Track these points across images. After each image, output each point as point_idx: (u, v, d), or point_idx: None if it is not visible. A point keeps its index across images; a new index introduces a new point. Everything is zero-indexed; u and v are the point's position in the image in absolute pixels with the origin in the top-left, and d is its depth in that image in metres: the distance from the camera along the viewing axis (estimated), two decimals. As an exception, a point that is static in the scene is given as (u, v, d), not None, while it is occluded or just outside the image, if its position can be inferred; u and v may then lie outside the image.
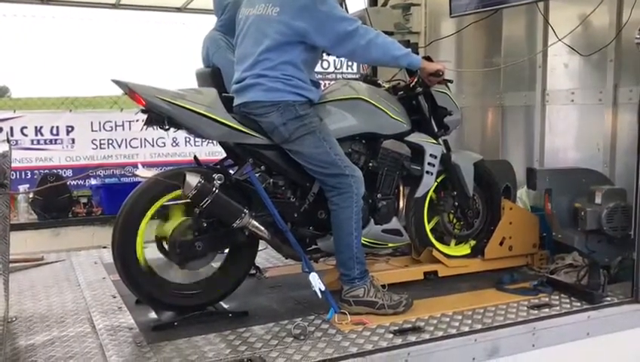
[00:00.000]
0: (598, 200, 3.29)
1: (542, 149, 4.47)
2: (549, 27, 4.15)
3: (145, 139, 6.56)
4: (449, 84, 3.44)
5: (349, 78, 3.70)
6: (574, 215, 3.39)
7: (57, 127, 6.62)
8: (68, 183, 6.41)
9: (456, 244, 3.63)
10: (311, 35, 2.79)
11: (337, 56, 3.45)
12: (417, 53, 4.35)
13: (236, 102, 2.93)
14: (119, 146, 6.56)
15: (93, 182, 6.51)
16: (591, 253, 3.30)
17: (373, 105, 3.18)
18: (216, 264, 2.97)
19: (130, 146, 6.59)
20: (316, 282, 2.77)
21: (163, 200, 2.82)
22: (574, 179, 3.53)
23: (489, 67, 4.79)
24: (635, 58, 3.08)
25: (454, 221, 3.57)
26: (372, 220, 3.12)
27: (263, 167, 2.94)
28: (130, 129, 6.53)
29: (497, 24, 4.63)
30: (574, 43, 3.99)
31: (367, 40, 2.81)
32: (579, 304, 3.02)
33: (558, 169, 3.94)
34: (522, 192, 4.18)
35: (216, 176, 2.77)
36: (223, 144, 2.97)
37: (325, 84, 5.55)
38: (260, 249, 3.08)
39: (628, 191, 3.33)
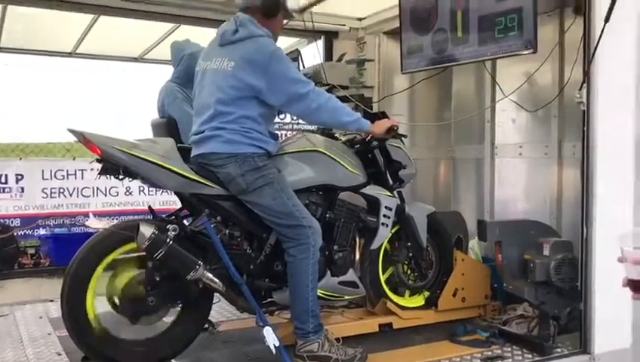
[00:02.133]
0: (546, 252, 3.39)
1: (492, 201, 4.59)
2: (496, 84, 4.34)
3: (97, 188, 6.43)
4: (403, 138, 3.54)
5: (306, 130, 3.75)
6: (524, 266, 3.47)
7: (6, 176, 6.43)
8: (15, 233, 6.19)
9: (410, 295, 3.66)
10: (263, 93, 2.84)
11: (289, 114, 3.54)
12: (371, 108, 4.51)
13: (194, 152, 2.94)
14: (70, 195, 6.40)
15: (42, 232, 6.31)
16: (541, 304, 3.37)
17: (331, 157, 3.23)
18: (169, 319, 2.90)
19: (82, 195, 6.43)
20: (270, 337, 2.72)
21: (116, 253, 2.77)
22: (523, 231, 3.63)
23: (440, 121, 4.95)
24: (577, 115, 3.23)
25: (408, 272, 3.61)
26: (328, 272, 3.12)
27: (219, 218, 2.92)
28: (82, 178, 6.40)
29: (447, 81, 4.82)
30: (520, 99, 4.17)
31: (317, 104, 2.88)
32: (530, 355, 3.07)
33: (507, 221, 4.05)
34: (474, 243, 4.26)
35: (170, 227, 2.74)
36: (178, 194, 2.95)
37: (283, 134, 5.60)
38: (213, 302, 3.03)
39: (574, 242, 3.44)
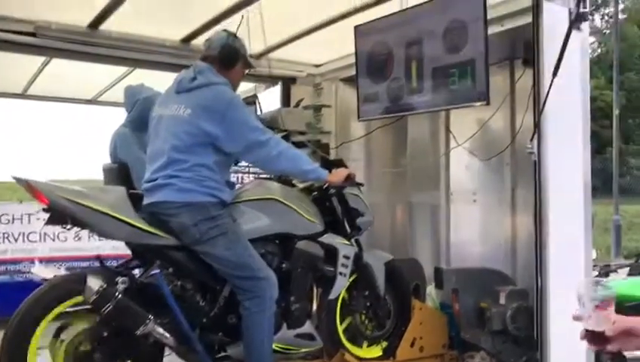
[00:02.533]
0: (502, 300, 3.41)
1: (448, 246, 4.63)
2: (450, 133, 4.42)
3: (45, 233, 6.19)
4: (360, 187, 3.54)
5: (263, 177, 3.71)
6: (481, 315, 3.47)
7: (-54, 219, 6.13)
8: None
9: (368, 346, 3.60)
10: (220, 140, 2.80)
11: (246, 163, 3.51)
12: (329, 154, 4.52)
13: (146, 201, 2.86)
14: (16, 241, 6.14)
15: (-18, 280, 5.99)
16: (498, 353, 3.37)
17: (287, 205, 3.19)
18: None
19: (29, 240, 6.19)
20: (223, 394, 2.63)
21: (62, 307, 2.63)
22: (479, 279, 3.66)
23: (397, 167, 5.00)
24: (529, 163, 3.30)
25: (366, 322, 3.56)
26: (285, 324, 3.04)
27: (170, 269, 2.83)
28: (29, 222, 6.16)
29: (403, 128, 4.89)
30: (474, 147, 4.25)
31: (278, 151, 2.87)
32: (489, 406, 3.04)
33: (463, 269, 4.08)
34: (431, 289, 4.26)
35: (120, 279, 2.64)
36: (129, 244, 2.85)
37: (239, 177, 5.54)
38: (164, 355, 2.90)
39: (529, 290, 3.46)
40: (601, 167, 15.90)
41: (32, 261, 5.90)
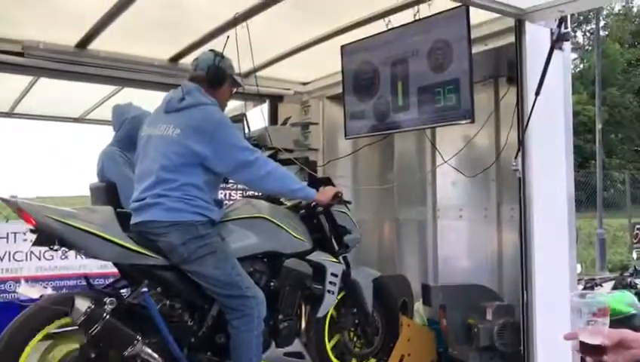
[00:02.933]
0: (489, 316, 3.43)
1: (435, 262, 4.65)
2: (436, 150, 4.47)
3: (31, 252, 6.14)
4: (348, 204, 3.56)
5: (251, 196, 3.73)
6: (468, 331, 3.49)
7: None
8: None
9: (357, 364, 3.60)
10: (209, 160, 2.82)
11: (235, 182, 3.52)
12: (316, 172, 4.54)
13: (134, 220, 2.86)
14: (1, 260, 6.09)
15: (-34, 301, 5.91)
16: (486, 368, 3.39)
17: (275, 223, 3.20)
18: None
19: (14, 259, 6.13)
20: (212, 414, 2.62)
21: (50, 328, 2.62)
22: (466, 295, 3.68)
23: (384, 183, 5.03)
24: (514, 178, 3.34)
25: (355, 339, 3.56)
26: (273, 343, 3.04)
27: (159, 289, 2.83)
28: (15, 241, 6.11)
29: (389, 145, 4.93)
30: (460, 163, 4.29)
31: (266, 171, 2.90)
32: (477, 422, 3.05)
33: (450, 285, 4.10)
34: (419, 305, 4.28)
35: (107, 300, 2.63)
36: (117, 264, 2.85)
37: (227, 194, 5.54)
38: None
39: (515, 305, 3.49)
40: (585, 180, 16.06)
41: (17, 280, 5.85)
